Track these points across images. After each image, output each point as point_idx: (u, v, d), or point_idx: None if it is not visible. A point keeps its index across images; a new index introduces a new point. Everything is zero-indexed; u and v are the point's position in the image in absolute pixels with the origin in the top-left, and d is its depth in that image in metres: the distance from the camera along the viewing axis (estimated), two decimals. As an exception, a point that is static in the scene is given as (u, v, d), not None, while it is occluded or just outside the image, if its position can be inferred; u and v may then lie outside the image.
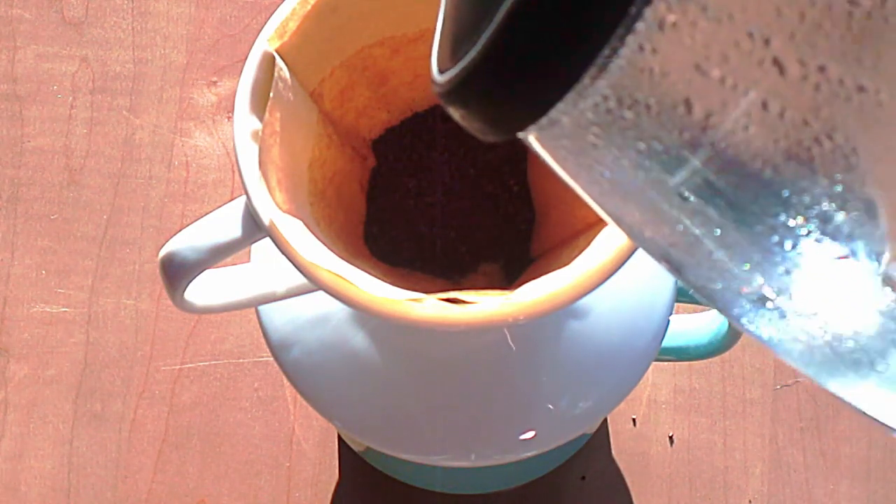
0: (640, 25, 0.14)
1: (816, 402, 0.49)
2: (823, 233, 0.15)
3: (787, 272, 0.16)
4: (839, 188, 0.15)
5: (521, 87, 0.15)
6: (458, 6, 0.17)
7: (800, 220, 0.15)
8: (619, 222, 0.17)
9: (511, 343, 0.34)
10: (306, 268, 0.26)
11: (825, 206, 0.15)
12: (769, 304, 0.16)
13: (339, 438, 0.49)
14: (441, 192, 0.33)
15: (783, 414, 0.49)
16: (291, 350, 0.35)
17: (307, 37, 0.28)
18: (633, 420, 0.49)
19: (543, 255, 0.31)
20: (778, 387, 0.49)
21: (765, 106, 0.14)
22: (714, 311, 0.40)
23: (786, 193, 0.15)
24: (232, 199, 0.28)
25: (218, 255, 0.28)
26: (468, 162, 0.33)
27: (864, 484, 0.48)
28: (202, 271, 0.29)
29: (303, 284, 0.31)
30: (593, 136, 0.15)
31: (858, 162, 0.15)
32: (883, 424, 0.17)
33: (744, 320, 0.17)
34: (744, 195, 0.15)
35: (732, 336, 0.40)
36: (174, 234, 0.29)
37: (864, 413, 0.17)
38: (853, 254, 0.15)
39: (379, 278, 0.27)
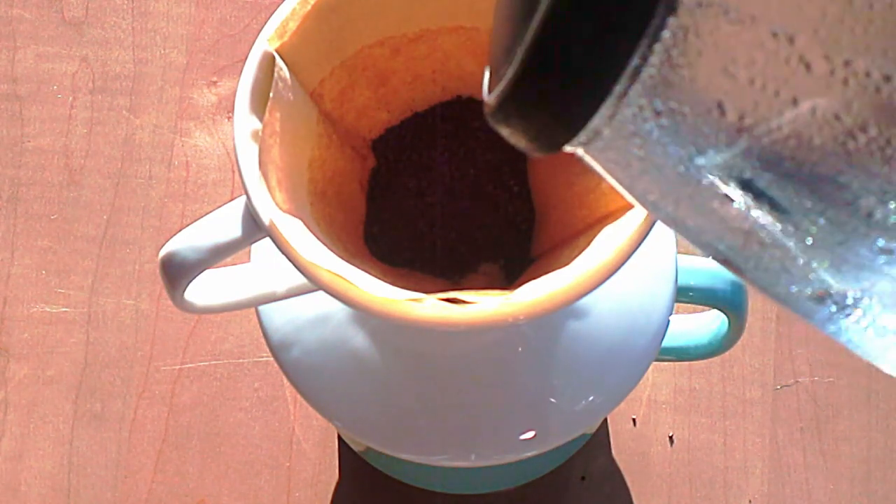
0: (665, 34, 0.14)
1: (816, 402, 0.49)
2: (869, 225, 0.15)
3: (841, 264, 0.16)
4: (879, 181, 0.15)
5: (556, 102, 0.15)
6: (499, 28, 0.18)
7: (844, 214, 0.15)
8: (678, 228, 0.17)
9: (511, 343, 0.34)
10: (306, 268, 0.26)
11: (871, 201, 0.15)
12: (845, 305, 0.16)
13: (339, 438, 0.49)
14: (441, 192, 0.33)
15: (783, 414, 0.49)
16: (291, 350, 0.35)
17: (307, 37, 0.28)
18: (633, 420, 0.49)
19: (543, 255, 0.31)
20: (778, 387, 0.49)
21: (795, 103, 0.14)
22: (714, 311, 0.40)
23: (828, 189, 0.15)
24: (232, 199, 0.28)
25: (218, 255, 0.28)
26: (468, 162, 0.33)
27: (864, 484, 0.48)
28: (202, 271, 0.29)
29: (303, 284, 0.31)
30: (636, 147, 0.16)
31: (893, 153, 0.15)
32: None
33: (817, 319, 0.17)
34: (794, 196, 0.15)
35: (732, 336, 0.40)
36: (174, 234, 0.29)
37: None
38: None
39: (379, 278, 0.27)
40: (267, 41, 0.28)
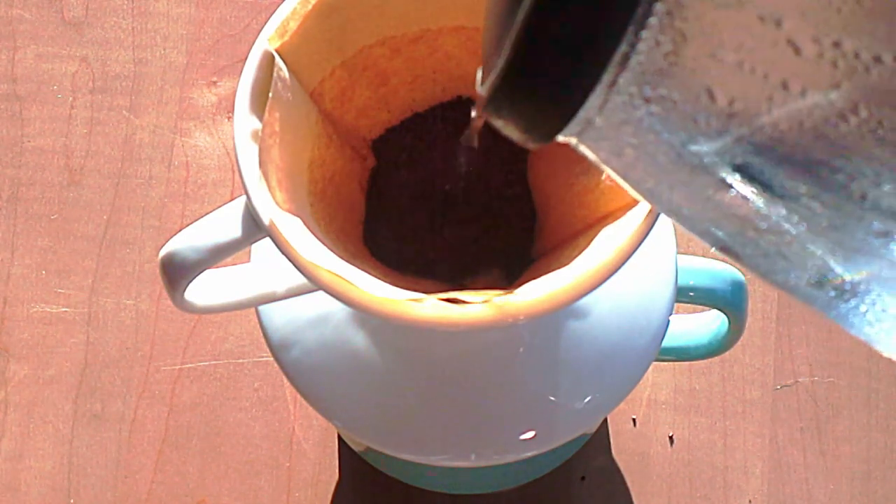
0: (652, 20, 0.14)
1: (816, 402, 0.49)
2: (863, 208, 0.15)
3: (838, 249, 0.16)
4: (872, 164, 0.15)
5: (545, 91, 0.15)
6: (489, 21, 0.18)
7: (838, 198, 0.15)
8: (676, 216, 0.17)
9: (511, 343, 0.34)
10: (306, 268, 0.26)
11: (864, 183, 0.15)
12: (843, 290, 0.16)
13: (339, 438, 0.49)
14: (441, 192, 0.33)
15: (783, 414, 0.49)
16: (291, 350, 0.35)
17: (307, 37, 0.28)
18: (633, 420, 0.49)
19: (543, 255, 0.31)
20: (778, 387, 0.49)
21: (785, 87, 0.14)
22: (714, 312, 0.40)
23: (822, 173, 0.15)
24: (232, 199, 0.28)
25: (218, 255, 0.28)
26: (468, 162, 0.33)
27: (864, 484, 0.48)
28: (202, 271, 0.29)
29: (303, 284, 0.31)
30: (629, 135, 0.16)
31: (885, 134, 0.15)
32: None
33: (818, 305, 0.17)
34: (788, 181, 0.15)
35: (732, 336, 0.40)
36: (174, 234, 0.29)
37: None
38: None
39: (379, 278, 0.27)
40: (267, 41, 0.28)
